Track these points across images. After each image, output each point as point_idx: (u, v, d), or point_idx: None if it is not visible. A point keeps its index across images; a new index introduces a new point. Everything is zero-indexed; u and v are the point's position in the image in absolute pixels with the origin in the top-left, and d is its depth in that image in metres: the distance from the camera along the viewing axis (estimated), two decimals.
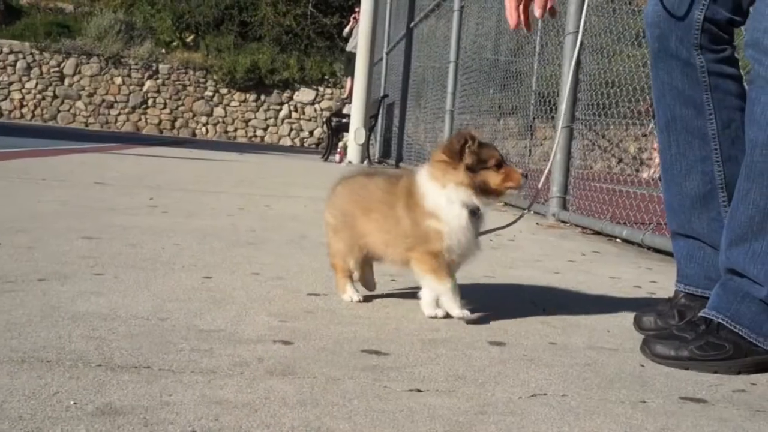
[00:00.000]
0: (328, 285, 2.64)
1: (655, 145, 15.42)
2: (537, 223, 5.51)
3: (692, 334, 1.99)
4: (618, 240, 4.78)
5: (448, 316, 2.26)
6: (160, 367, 1.63)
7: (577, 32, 5.56)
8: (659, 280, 3.39)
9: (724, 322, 1.97)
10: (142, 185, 6.04)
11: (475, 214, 2.20)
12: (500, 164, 2.18)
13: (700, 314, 2.06)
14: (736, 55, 2.24)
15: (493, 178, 2.17)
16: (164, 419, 1.36)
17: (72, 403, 1.41)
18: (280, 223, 4.35)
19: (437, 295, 2.27)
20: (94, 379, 1.54)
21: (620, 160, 19.74)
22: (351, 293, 2.41)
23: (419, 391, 1.61)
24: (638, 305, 2.77)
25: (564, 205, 5.76)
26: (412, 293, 2.63)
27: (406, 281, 2.83)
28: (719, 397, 1.76)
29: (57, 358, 1.65)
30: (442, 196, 2.17)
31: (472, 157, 2.15)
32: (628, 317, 2.46)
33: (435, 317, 2.26)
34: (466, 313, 2.22)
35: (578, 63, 5.63)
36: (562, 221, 5.63)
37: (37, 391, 1.45)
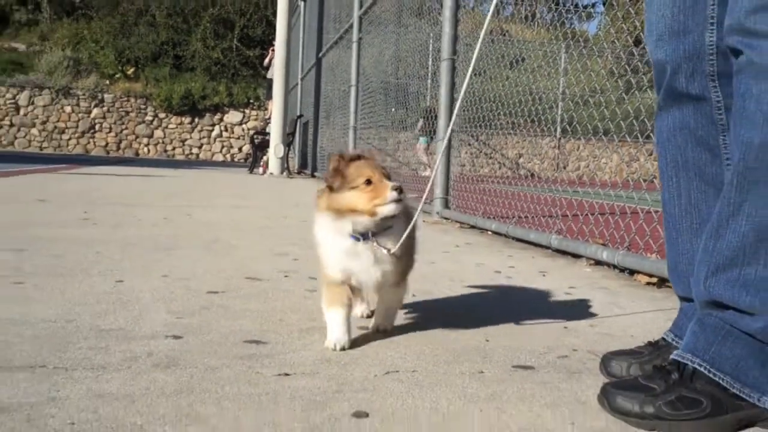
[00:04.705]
0: (227, 283, 2.58)
1: (417, 146, 15.36)
2: (423, 221, 5.53)
3: (662, 385, 1.42)
4: (489, 232, 4.83)
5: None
6: (55, 366, 1.55)
7: (452, 59, 5.62)
8: (516, 265, 3.44)
9: (702, 368, 1.42)
10: (80, 201, 5.82)
11: (361, 237, 1.77)
12: (370, 181, 1.74)
13: (673, 357, 1.48)
14: None
15: (357, 199, 1.74)
16: (47, 414, 1.28)
17: None
18: (197, 230, 4.24)
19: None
20: None
21: (502, 165, 20.13)
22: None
23: (287, 374, 1.57)
24: (495, 286, 2.80)
25: (446, 204, 5.80)
26: (301, 287, 2.60)
27: (298, 277, 2.79)
28: (545, 363, 1.77)
29: None
30: (319, 222, 1.82)
31: (337, 179, 1.76)
32: (481, 298, 2.48)
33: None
34: (335, 343, 1.80)
35: (453, 85, 5.67)
36: (445, 218, 5.67)
37: None
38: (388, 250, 1.78)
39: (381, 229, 1.78)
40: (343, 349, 1.78)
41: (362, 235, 1.77)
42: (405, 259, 1.88)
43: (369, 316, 2.10)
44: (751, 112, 1.39)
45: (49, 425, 1.24)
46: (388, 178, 1.77)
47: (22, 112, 22.79)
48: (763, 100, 1.38)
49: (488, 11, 1.98)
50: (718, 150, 1.60)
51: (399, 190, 1.73)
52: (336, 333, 1.81)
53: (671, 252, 1.71)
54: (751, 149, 1.39)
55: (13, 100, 22.67)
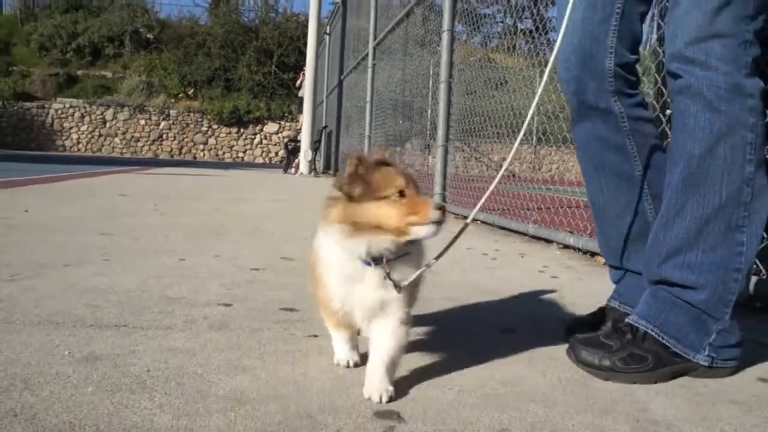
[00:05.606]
0: (266, 262, 2.59)
1: (409, 149, 15.33)
2: None
3: (618, 343, 1.44)
4: (478, 222, 4.81)
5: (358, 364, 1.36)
6: (134, 326, 1.57)
7: (448, 81, 5.59)
8: (501, 248, 3.44)
9: (652, 332, 1.44)
10: (151, 195, 5.84)
11: (374, 261, 1.18)
12: (403, 193, 1.14)
13: (628, 320, 1.49)
14: (645, 99, 1.68)
15: (387, 212, 1.13)
16: (129, 362, 1.30)
17: (67, 353, 1.34)
18: (241, 219, 4.24)
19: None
20: (86, 335, 1.47)
21: (489, 167, 20.03)
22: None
23: (315, 336, 1.57)
24: (483, 266, 2.79)
25: (444, 199, 5.77)
26: None
27: None
28: (524, 327, 1.77)
29: (63, 321, 1.57)
30: (327, 237, 1.20)
31: (357, 185, 1.15)
32: (473, 275, 2.47)
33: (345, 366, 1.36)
34: (347, 360, 1.35)
35: (449, 102, 5.64)
36: None
37: (44, 345, 1.38)
38: (398, 288, 1.20)
39: (400, 254, 1.19)
40: (356, 365, 1.33)
41: (374, 260, 1.18)
42: (411, 289, 1.26)
43: (357, 365, 1.35)
44: (690, 128, 1.39)
45: (131, 371, 1.25)
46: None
47: (107, 125, 23.25)
48: (700, 118, 1.38)
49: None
50: (627, 151, 1.60)
51: (443, 210, 1.15)
52: (344, 352, 1.36)
53: (601, 234, 1.73)
54: (692, 159, 1.39)
55: (101, 116, 23.15)
